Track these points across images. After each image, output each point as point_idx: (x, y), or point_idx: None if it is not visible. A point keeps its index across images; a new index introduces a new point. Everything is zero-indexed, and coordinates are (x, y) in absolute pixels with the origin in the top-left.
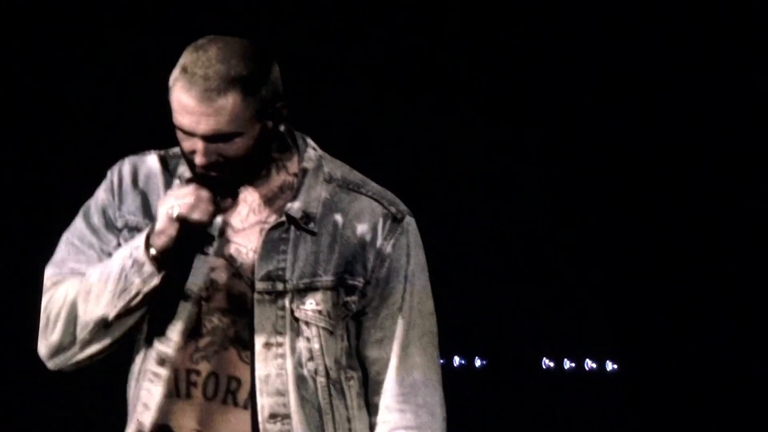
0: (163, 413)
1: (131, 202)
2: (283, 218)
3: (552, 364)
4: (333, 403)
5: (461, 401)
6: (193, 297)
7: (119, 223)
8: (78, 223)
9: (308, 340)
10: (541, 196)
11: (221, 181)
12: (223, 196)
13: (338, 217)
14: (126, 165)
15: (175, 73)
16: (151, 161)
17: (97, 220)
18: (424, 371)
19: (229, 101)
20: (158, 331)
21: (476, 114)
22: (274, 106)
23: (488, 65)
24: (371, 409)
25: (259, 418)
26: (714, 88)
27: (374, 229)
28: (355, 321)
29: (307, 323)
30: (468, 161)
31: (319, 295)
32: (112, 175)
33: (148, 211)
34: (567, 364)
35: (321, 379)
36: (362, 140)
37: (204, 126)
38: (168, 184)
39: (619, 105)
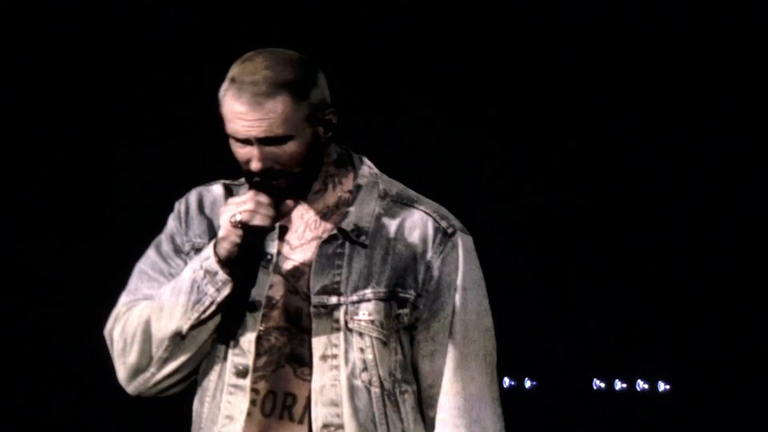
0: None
1: (197, 226)
2: (335, 232)
3: (603, 385)
4: (387, 414)
5: (511, 423)
6: (260, 309)
7: (186, 247)
8: (149, 252)
9: (362, 350)
10: (592, 216)
11: (278, 189)
12: (281, 204)
13: (391, 231)
14: (193, 195)
15: (225, 85)
16: (217, 190)
17: (166, 247)
18: (479, 386)
19: (279, 104)
20: (232, 344)
21: (524, 140)
22: (323, 112)
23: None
24: (427, 422)
25: (313, 428)
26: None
27: (425, 243)
28: (408, 334)
29: (360, 334)
30: (515, 183)
31: (371, 306)
32: (180, 205)
33: (213, 235)
34: (618, 384)
35: (375, 390)
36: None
37: (257, 130)
38: None
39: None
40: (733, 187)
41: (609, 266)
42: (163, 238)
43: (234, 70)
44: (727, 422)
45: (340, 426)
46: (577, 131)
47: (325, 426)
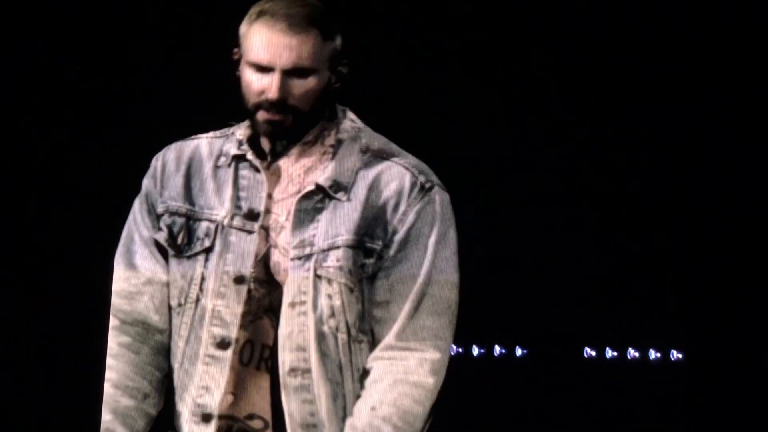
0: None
1: (173, 187)
2: (313, 187)
3: (594, 353)
4: (352, 361)
5: (502, 391)
6: (246, 282)
7: (160, 209)
8: (128, 229)
9: (329, 297)
10: (584, 182)
11: (283, 128)
12: (281, 142)
13: (367, 183)
14: (171, 151)
15: (252, 18)
16: (195, 144)
17: (138, 209)
18: (432, 333)
19: (311, 38)
20: (211, 314)
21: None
22: (340, 59)
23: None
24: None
25: (280, 372)
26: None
27: (399, 195)
28: (369, 283)
29: (329, 280)
30: (505, 147)
31: (340, 252)
32: (156, 161)
33: (188, 195)
34: (609, 353)
35: (342, 336)
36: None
37: (286, 58)
38: (212, 166)
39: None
40: (741, 155)
41: (603, 235)
42: (137, 205)
43: (263, 5)
44: (734, 390)
45: (307, 370)
46: (570, 98)
47: (292, 370)
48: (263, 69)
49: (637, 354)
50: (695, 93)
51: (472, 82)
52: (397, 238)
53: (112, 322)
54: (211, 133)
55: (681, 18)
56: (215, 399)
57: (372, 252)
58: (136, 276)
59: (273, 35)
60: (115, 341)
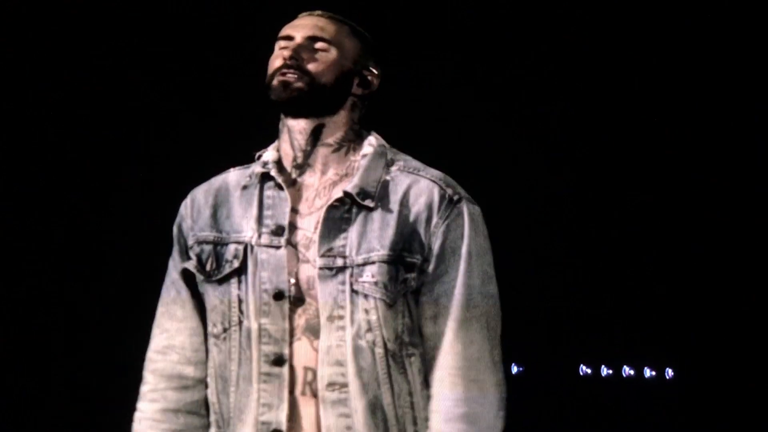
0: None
1: (202, 220)
2: (341, 195)
3: (589, 371)
4: (391, 374)
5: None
6: (286, 297)
7: (190, 242)
8: (167, 283)
9: (366, 312)
10: (582, 200)
11: (294, 88)
12: (292, 108)
13: (397, 197)
14: (199, 188)
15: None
16: (223, 177)
17: (172, 260)
18: (480, 349)
19: (337, 23)
20: (259, 333)
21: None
22: (368, 64)
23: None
24: (429, 385)
25: (319, 387)
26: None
27: (430, 209)
28: (415, 298)
29: (365, 295)
30: (512, 169)
31: (376, 268)
32: (185, 202)
33: (215, 224)
34: (605, 371)
35: (379, 350)
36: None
37: (306, 30)
38: (239, 192)
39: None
40: (730, 173)
41: (599, 253)
42: (171, 260)
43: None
44: (724, 406)
45: (345, 384)
46: (582, 117)
47: (330, 384)
48: (286, 39)
49: (632, 372)
50: (682, 114)
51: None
52: (434, 252)
53: (147, 386)
54: (238, 167)
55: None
56: (281, 414)
57: (413, 266)
58: (167, 326)
59: (300, 19)
60: (150, 408)
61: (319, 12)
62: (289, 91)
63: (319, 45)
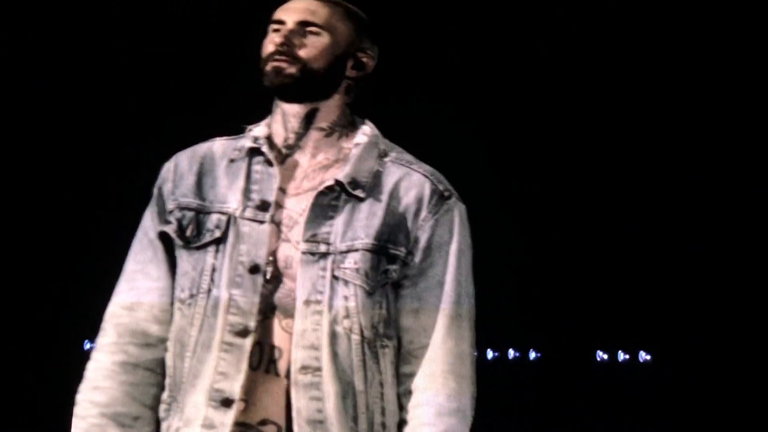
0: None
1: (185, 186)
2: (332, 183)
3: (606, 357)
4: (366, 362)
5: (516, 392)
6: (261, 271)
7: (170, 206)
8: (136, 241)
9: (346, 298)
10: (589, 190)
11: (287, 75)
12: (285, 94)
13: (387, 189)
14: (183, 153)
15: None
16: (208, 146)
17: (148, 215)
18: (469, 344)
19: (327, 9)
20: (227, 303)
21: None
22: (362, 46)
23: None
24: (401, 378)
25: (292, 370)
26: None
27: (420, 202)
28: (394, 290)
29: (345, 282)
30: (514, 155)
31: (359, 255)
32: (168, 164)
33: (200, 192)
34: (621, 356)
35: (355, 337)
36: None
37: (298, 14)
38: (226, 163)
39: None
40: (714, 171)
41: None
42: (147, 213)
43: None
44: (706, 391)
45: (318, 369)
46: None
47: (303, 368)
48: (278, 23)
49: (648, 357)
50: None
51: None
52: (420, 245)
53: (107, 338)
54: (225, 137)
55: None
56: (236, 384)
57: (395, 258)
58: (139, 284)
59: (294, 1)
60: (109, 360)
61: None
62: (281, 78)
63: (311, 29)
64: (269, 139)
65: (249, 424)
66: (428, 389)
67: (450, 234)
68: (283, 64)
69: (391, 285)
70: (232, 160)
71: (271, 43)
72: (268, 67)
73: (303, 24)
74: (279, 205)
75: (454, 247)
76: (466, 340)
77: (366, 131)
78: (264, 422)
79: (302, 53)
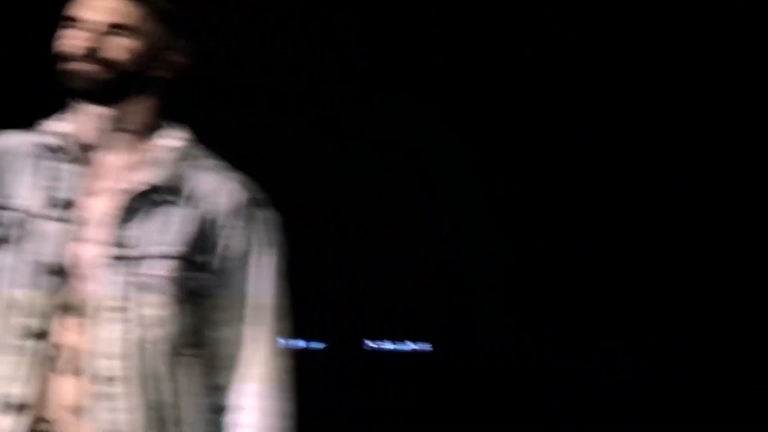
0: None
1: None
2: (144, 186)
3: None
4: (172, 372)
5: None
6: (60, 274)
7: None
8: None
9: (152, 306)
10: (582, 192)
11: (92, 80)
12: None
13: (197, 195)
14: None
15: None
16: (7, 139)
17: None
18: (281, 351)
19: (134, 7)
20: (21, 305)
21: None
22: (173, 44)
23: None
24: (211, 390)
25: (90, 376)
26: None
27: (230, 211)
28: (203, 298)
29: (152, 288)
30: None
31: (165, 263)
32: None
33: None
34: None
35: (161, 347)
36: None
37: (104, 14)
38: (27, 159)
39: None
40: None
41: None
42: None
43: None
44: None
45: (119, 378)
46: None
47: (101, 376)
48: (79, 22)
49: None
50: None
51: None
52: (230, 254)
53: None
54: (20, 131)
55: None
56: (27, 390)
57: (204, 266)
58: None
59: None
60: None
61: None
62: (90, 83)
63: (116, 30)
64: (73, 137)
65: (41, 418)
66: (249, 394)
67: (260, 242)
68: (91, 68)
69: (200, 294)
70: (34, 157)
71: (74, 43)
72: (72, 68)
73: (110, 24)
74: (83, 205)
75: (262, 257)
76: (273, 346)
77: (179, 135)
78: (54, 420)
79: (110, 56)
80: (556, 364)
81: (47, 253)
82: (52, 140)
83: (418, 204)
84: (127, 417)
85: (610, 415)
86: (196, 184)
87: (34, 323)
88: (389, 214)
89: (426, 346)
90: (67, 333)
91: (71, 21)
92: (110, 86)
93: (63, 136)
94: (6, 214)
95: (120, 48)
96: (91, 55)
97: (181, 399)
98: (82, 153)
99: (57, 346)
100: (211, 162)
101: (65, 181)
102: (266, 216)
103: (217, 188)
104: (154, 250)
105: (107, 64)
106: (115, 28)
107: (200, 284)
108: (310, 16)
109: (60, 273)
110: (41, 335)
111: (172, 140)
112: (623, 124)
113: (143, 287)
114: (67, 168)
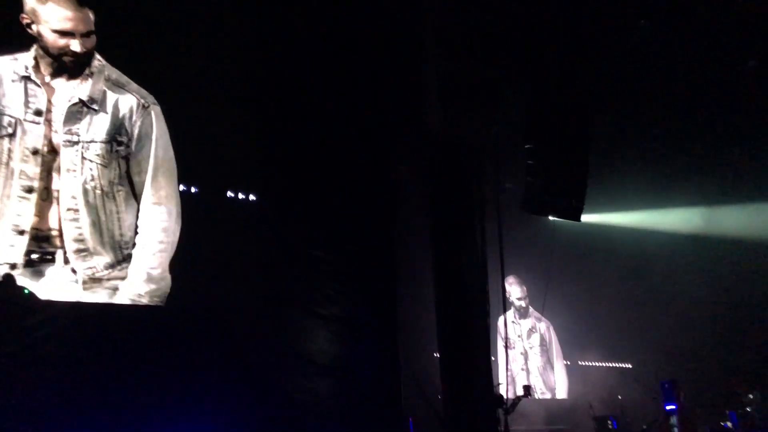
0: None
1: None
2: (77, 100)
3: None
4: (106, 205)
5: None
6: (40, 151)
7: None
8: None
9: (91, 169)
10: None
11: (80, 62)
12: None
13: (112, 102)
14: None
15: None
16: None
17: None
18: (167, 190)
19: (89, 12)
20: (23, 173)
21: None
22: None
23: None
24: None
25: (61, 208)
26: None
27: (131, 110)
28: (125, 159)
29: (90, 160)
30: None
31: (98, 146)
32: None
33: None
34: None
35: (98, 191)
36: None
37: (82, 26)
38: (9, 80)
39: None
40: None
41: None
42: None
43: None
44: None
45: (77, 209)
46: None
47: (68, 209)
48: (67, 33)
49: None
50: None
51: None
52: (134, 135)
53: None
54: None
55: None
56: (27, 222)
57: (122, 143)
58: None
59: (69, 11)
60: None
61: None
62: (77, 70)
63: (87, 36)
64: (36, 68)
65: (40, 229)
66: (147, 217)
67: (151, 127)
68: (82, 62)
69: (122, 157)
70: (12, 81)
71: (66, 47)
72: (66, 58)
73: (86, 33)
74: (48, 112)
75: (154, 136)
76: (163, 188)
77: (96, 63)
78: (49, 229)
79: (85, 49)
80: None
81: (32, 142)
82: (23, 72)
83: None
84: (84, 230)
85: None
86: (109, 95)
87: (27, 183)
88: None
89: None
90: (51, 183)
91: (61, 32)
92: (82, 60)
93: (29, 68)
94: (2, 118)
95: (90, 45)
96: (84, 54)
97: (112, 216)
98: (42, 78)
99: (47, 189)
100: (116, 79)
101: (36, 98)
102: (153, 111)
103: (121, 96)
104: (88, 137)
105: (86, 55)
106: (91, 32)
107: (122, 153)
108: None
109: (41, 153)
110: (31, 190)
111: (93, 68)
112: None
113: (84, 158)
114: (35, 89)
